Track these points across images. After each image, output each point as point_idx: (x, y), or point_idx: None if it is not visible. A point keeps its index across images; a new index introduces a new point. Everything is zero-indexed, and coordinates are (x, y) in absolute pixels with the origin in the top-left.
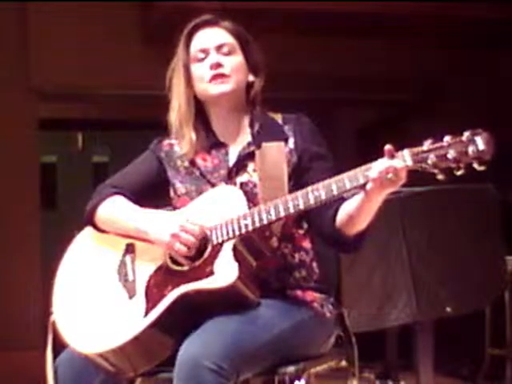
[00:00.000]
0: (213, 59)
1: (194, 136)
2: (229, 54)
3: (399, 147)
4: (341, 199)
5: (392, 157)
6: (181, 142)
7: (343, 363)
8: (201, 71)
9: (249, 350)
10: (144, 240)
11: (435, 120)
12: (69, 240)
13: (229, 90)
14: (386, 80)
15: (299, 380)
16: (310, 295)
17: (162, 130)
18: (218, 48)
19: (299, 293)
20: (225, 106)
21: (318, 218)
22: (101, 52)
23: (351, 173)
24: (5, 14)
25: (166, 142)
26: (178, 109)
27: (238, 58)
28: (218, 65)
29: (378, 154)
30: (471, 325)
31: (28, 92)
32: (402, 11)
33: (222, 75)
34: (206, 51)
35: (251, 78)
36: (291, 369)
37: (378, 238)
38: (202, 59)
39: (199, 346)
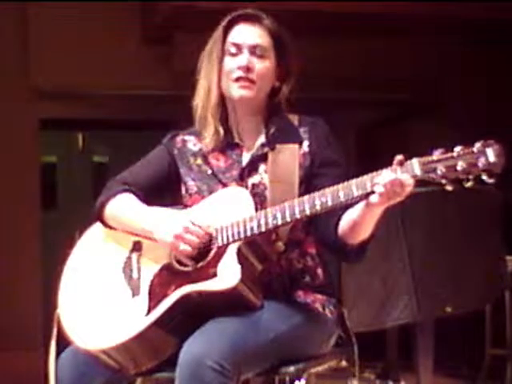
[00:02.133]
0: (244, 60)
1: (221, 128)
2: (261, 57)
3: (400, 147)
4: (345, 207)
5: (401, 166)
6: (202, 132)
7: (343, 363)
8: (230, 66)
9: (250, 349)
10: (150, 239)
11: (435, 120)
12: (69, 240)
13: (250, 96)
14: (386, 80)
15: (299, 380)
16: (312, 296)
17: (162, 129)
18: (252, 48)
19: (301, 294)
20: (244, 109)
21: (322, 226)
22: (101, 52)
23: (359, 180)
24: (5, 13)
25: (180, 137)
26: (206, 96)
27: (267, 64)
28: (248, 68)
29: (378, 154)
30: (471, 325)
31: (28, 92)
32: (401, 11)
33: (248, 80)
34: (239, 47)
35: (277, 83)
36: (292, 369)
37: (379, 237)
38: (235, 54)
39: (201, 346)
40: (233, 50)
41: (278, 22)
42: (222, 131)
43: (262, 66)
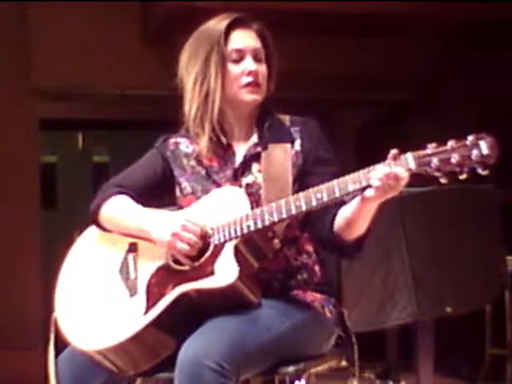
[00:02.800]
0: (251, 66)
1: (220, 135)
2: (261, 61)
3: (399, 148)
4: (340, 204)
5: (395, 160)
6: (196, 137)
7: (343, 363)
8: (236, 73)
9: (250, 349)
10: (146, 239)
11: (435, 120)
12: (69, 240)
13: (259, 99)
14: (386, 80)
15: (299, 380)
16: (311, 295)
17: (163, 129)
18: (254, 53)
19: (300, 293)
20: (245, 111)
21: (317, 223)
22: (101, 52)
23: (354, 175)
24: (5, 14)
25: (172, 140)
26: (205, 104)
27: (265, 67)
28: (256, 73)
29: (377, 154)
30: (471, 325)
31: (28, 92)
32: (401, 11)
33: (256, 84)
34: (241, 53)
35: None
36: (291, 369)
37: (379, 237)
38: (238, 60)
39: (200, 346)
40: (235, 56)
41: (278, 23)
42: (222, 138)
43: (264, 70)
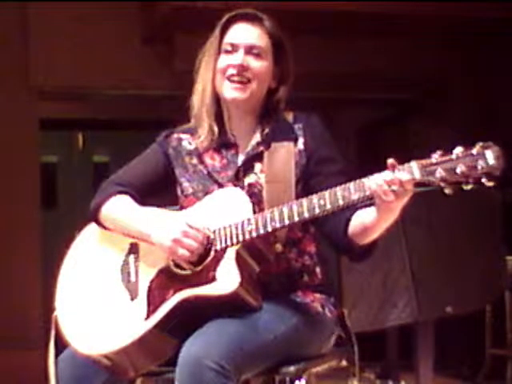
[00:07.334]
0: (238, 59)
1: (215, 127)
2: (257, 56)
3: (400, 148)
4: (353, 205)
5: (394, 170)
6: (198, 129)
7: (343, 363)
8: (223, 64)
9: (250, 350)
10: (147, 242)
11: (435, 120)
12: (69, 240)
13: (243, 99)
14: (386, 79)
15: (300, 380)
16: (311, 296)
17: (162, 130)
18: (248, 48)
19: (300, 293)
20: (237, 109)
21: (330, 223)
22: (101, 52)
23: (358, 182)
24: (5, 14)
25: (175, 136)
26: (201, 94)
27: (265, 64)
28: (243, 67)
29: (378, 154)
30: (471, 325)
31: (28, 92)
32: (402, 11)
33: (241, 80)
34: (235, 46)
35: (274, 84)
36: (292, 369)
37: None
38: (230, 52)
39: (201, 346)
40: (229, 48)
41: (278, 22)
42: (216, 130)
43: (259, 65)
